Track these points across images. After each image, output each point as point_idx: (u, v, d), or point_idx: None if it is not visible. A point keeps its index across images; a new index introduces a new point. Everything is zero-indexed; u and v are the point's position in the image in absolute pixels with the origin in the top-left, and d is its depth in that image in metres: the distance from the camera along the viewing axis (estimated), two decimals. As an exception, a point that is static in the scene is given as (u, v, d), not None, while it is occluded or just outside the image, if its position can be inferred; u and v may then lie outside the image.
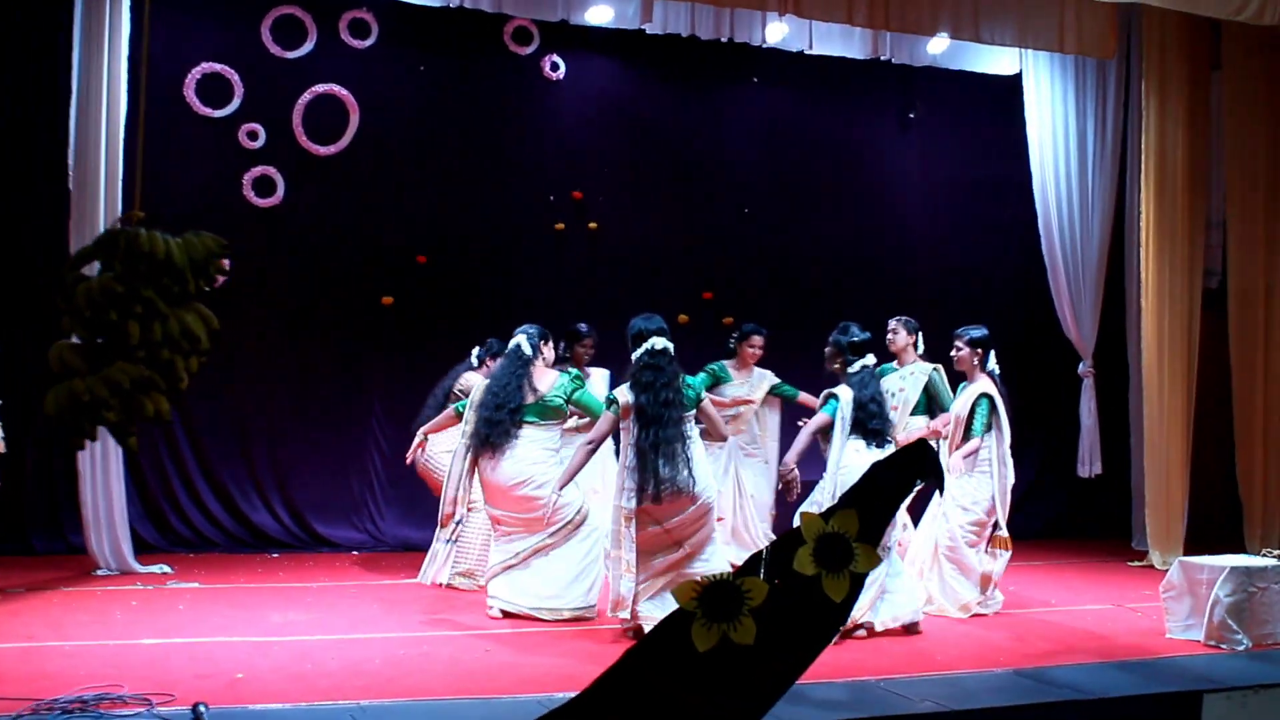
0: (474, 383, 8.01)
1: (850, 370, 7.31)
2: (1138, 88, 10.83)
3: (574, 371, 7.64)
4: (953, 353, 7.98)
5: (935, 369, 8.61)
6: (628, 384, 6.84)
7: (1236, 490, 10.57)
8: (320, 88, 9.76)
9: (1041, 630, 7.37)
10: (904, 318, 8.77)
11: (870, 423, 7.14)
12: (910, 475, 4.86)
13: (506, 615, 7.23)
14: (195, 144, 9.50)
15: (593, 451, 7.01)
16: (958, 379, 8.15)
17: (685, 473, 6.61)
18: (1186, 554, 9.84)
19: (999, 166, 11.57)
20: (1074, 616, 7.86)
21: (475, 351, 8.64)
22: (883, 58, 11.04)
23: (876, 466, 4.91)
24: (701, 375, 8.97)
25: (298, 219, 9.76)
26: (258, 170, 9.60)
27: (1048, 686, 5.81)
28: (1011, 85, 11.29)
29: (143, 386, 3.97)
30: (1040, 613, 7.92)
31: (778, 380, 9.38)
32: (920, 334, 8.74)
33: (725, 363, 9.33)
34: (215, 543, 9.45)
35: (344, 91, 9.81)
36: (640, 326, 6.91)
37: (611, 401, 6.88)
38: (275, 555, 9.39)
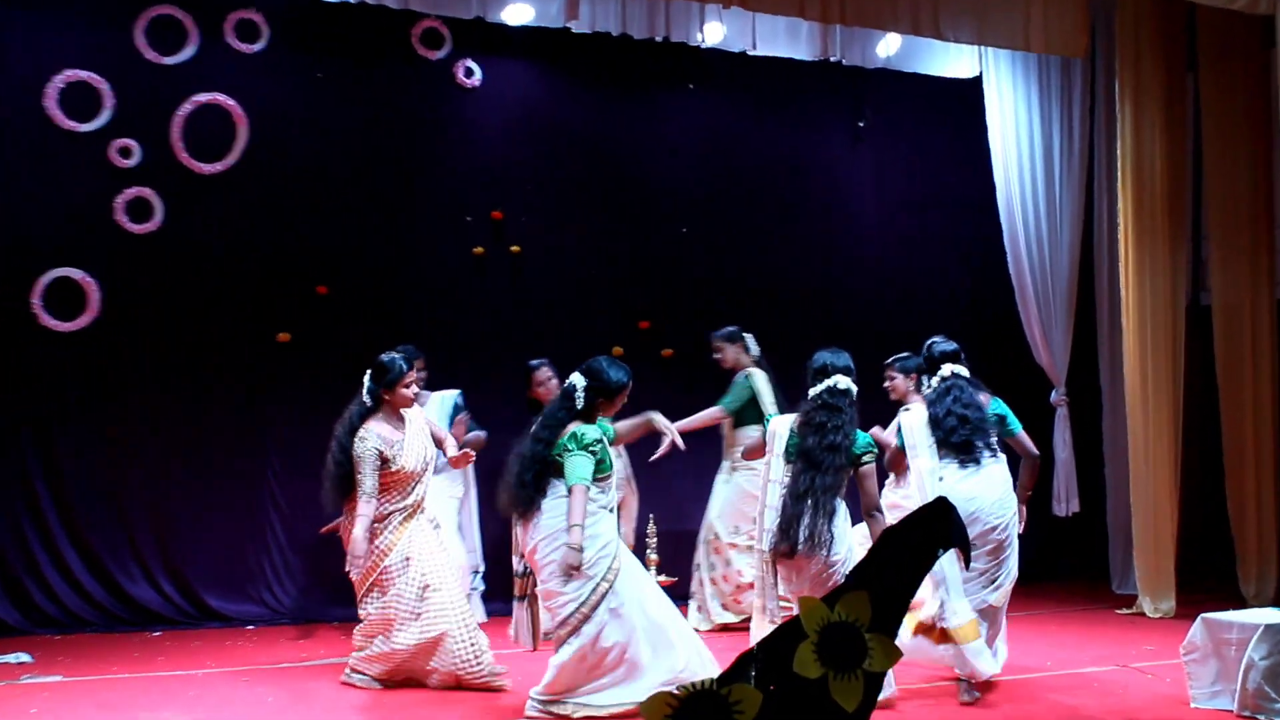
0: (385, 436, 6.71)
1: (929, 385, 6.95)
2: (1105, 91, 10.33)
3: (603, 425, 6.32)
4: (885, 382, 7.86)
5: (748, 373, 8.60)
6: (794, 417, 6.37)
7: (1228, 526, 9.88)
8: (203, 97, 8.92)
9: (1052, 704, 6.56)
10: (724, 330, 8.74)
11: (952, 437, 6.71)
12: (932, 543, 4.04)
13: None
14: (59, 162, 8.64)
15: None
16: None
17: (826, 531, 6.05)
18: (1179, 599, 9.27)
19: (959, 178, 10.98)
20: (1079, 682, 7.06)
21: (368, 387, 6.89)
22: (832, 59, 10.44)
23: (889, 534, 4.10)
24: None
25: (179, 246, 8.90)
26: (132, 192, 8.75)
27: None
28: (971, 89, 10.70)
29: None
30: (1042, 678, 7.12)
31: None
32: (748, 338, 8.74)
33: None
34: (88, 621, 8.53)
35: (230, 101, 8.98)
36: (826, 361, 6.41)
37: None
38: (157, 634, 8.45)
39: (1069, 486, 10.49)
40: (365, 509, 6.60)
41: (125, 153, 8.73)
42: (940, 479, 6.68)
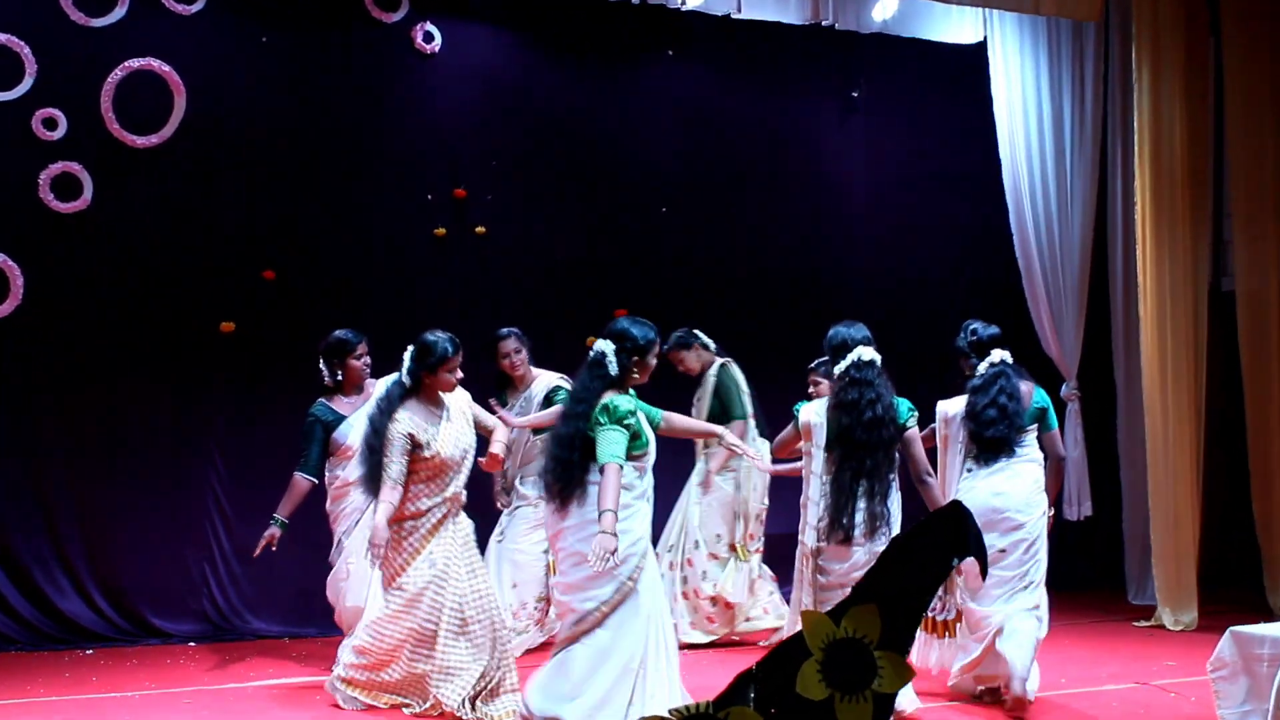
0: (419, 420, 6.61)
1: (978, 372, 6.98)
2: (1120, 58, 10.32)
3: (650, 410, 6.31)
4: (810, 388, 7.83)
5: (723, 364, 8.67)
6: (824, 402, 6.52)
7: (1253, 531, 9.90)
8: (135, 63, 8.81)
9: (1067, 727, 6.57)
10: (676, 338, 8.72)
11: (986, 431, 6.81)
12: (946, 552, 3.99)
13: None
14: None
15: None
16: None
17: (885, 511, 6.24)
18: (1202, 611, 9.30)
19: (960, 153, 10.97)
20: (1097, 701, 7.06)
21: (408, 367, 6.79)
22: (824, 23, 10.43)
23: (900, 542, 4.06)
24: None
25: (110, 227, 8.81)
26: (58, 167, 8.65)
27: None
28: (974, 56, 10.71)
29: None
30: (1055, 697, 7.09)
31: (559, 382, 8.21)
32: (700, 335, 8.78)
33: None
34: (13, 639, 8.44)
35: (166, 68, 8.88)
36: (845, 335, 6.52)
37: (794, 415, 6.61)
38: (89, 652, 8.37)
39: (1081, 488, 10.47)
40: (389, 495, 6.46)
41: (50, 124, 8.63)
42: (969, 470, 6.85)
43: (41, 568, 8.60)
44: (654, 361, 6.17)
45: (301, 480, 7.54)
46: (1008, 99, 10.44)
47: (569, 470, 5.87)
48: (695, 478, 8.73)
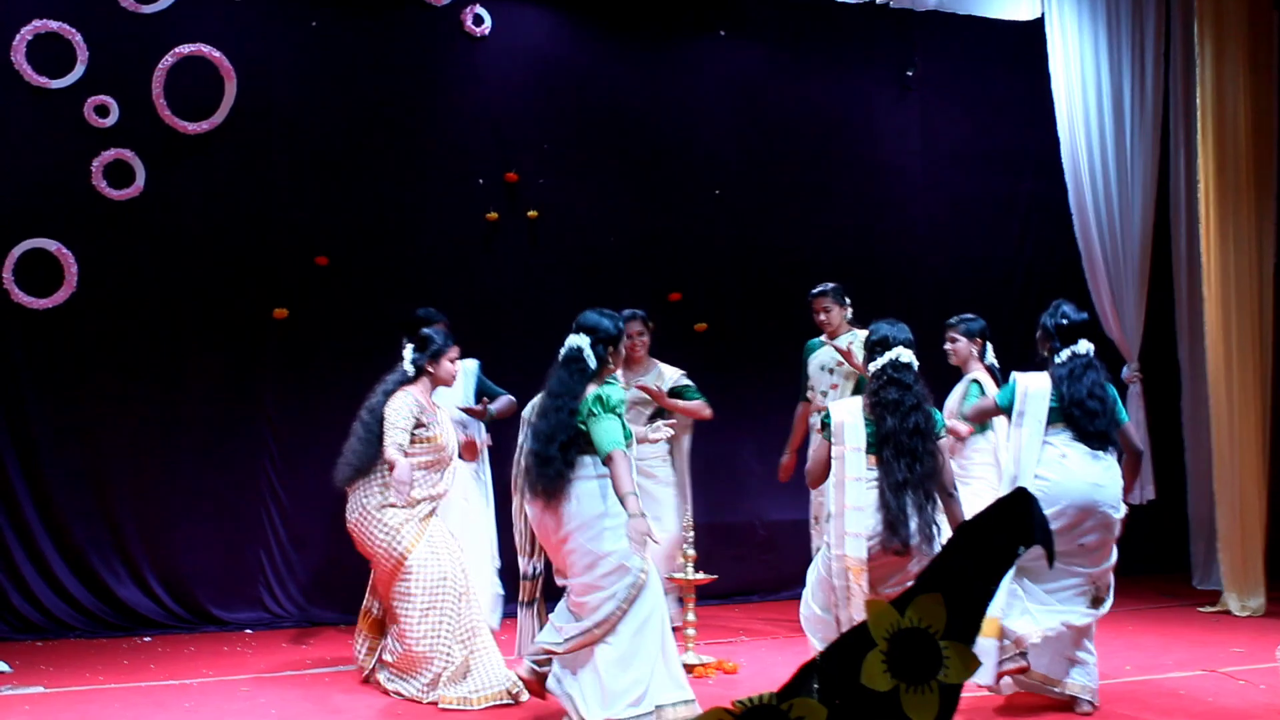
0: (422, 403, 6.74)
1: (1057, 359, 6.71)
2: (1182, 31, 10.19)
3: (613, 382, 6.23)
4: (947, 345, 7.71)
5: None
6: (855, 400, 6.36)
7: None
8: (186, 49, 8.83)
9: (1133, 714, 6.45)
10: (826, 287, 8.66)
11: (1094, 424, 6.53)
12: (1012, 540, 3.94)
13: None
14: (29, 123, 8.59)
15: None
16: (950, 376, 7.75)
17: (936, 521, 6.03)
18: (1269, 596, 9.19)
19: (1018, 131, 10.89)
20: (1162, 689, 6.97)
21: (411, 358, 6.91)
22: (878, 1, 10.29)
23: (965, 530, 4.00)
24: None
25: (163, 214, 8.84)
26: (110, 154, 8.68)
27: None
28: (1031, 32, 10.59)
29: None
30: (1119, 685, 6.99)
31: (687, 381, 8.28)
32: (847, 300, 8.70)
33: None
34: (71, 626, 8.50)
35: (216, 54, 8.89)
36: (886, 333, 6.33)
37: (824, 424, 6.29)
38: (147, 639, 8.42)
39: (1144, 472, 10.32)
40: (399, 458, 6.47)
41: (102, 111, 8.66)
42: (1064, 455, 6.49)
43: (99, 555, 8.65)
44: (624, 351, 6.33)
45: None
46: (1066, 75, 10.33)
47: (553, 466, 5.87)
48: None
